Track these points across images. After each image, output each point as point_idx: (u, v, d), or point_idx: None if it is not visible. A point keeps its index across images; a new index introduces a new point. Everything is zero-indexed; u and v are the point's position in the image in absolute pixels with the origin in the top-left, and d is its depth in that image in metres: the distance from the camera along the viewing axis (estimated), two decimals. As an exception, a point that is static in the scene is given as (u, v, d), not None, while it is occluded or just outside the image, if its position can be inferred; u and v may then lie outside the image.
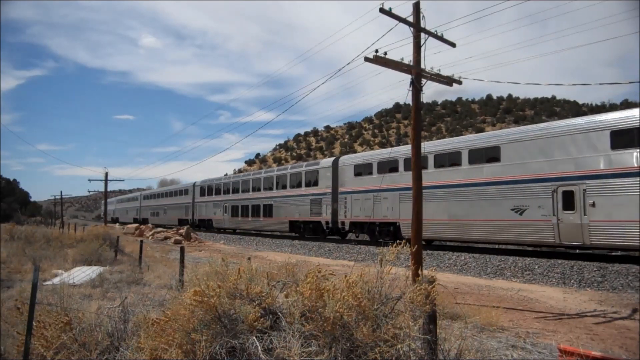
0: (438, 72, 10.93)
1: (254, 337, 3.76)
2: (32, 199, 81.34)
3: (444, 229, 18.38)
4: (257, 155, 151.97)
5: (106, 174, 46.20)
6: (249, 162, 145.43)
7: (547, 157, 15.00)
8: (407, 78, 10.31)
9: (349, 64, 11.12)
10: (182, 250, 10.58)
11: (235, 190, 36.34)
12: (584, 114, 77.80)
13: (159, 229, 38.16)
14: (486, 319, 7.64)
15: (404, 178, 19.71)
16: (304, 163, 29.84)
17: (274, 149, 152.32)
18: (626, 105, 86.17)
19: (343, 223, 23.98)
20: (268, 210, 31.10)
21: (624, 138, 13.28)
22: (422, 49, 10.32)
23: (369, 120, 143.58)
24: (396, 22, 10.07)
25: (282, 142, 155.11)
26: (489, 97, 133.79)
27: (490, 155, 16.86)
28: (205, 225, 41.94)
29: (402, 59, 10.11)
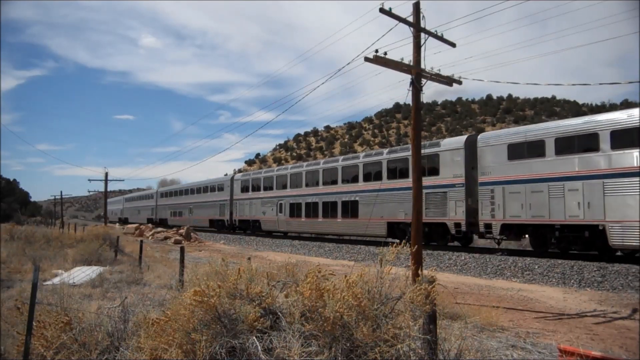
0: (438, 72, 10.94)
1: (254, 337, 3.76)
2: (32, 199, 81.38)
3: None
4: (257, 155, 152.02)
5: (106, 174, 46.23)
6: (249, 162, 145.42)
7: None
8: (407, 78, 10.32)
9: (349, 64, 11.14)
10: (182, 250, 10.58)
11: (296, 184, 29.00)
12: (584, 114, 77.80)
13: (159, 229, 38.13)
14: (486, 319, 7.65)
15: (616, 159, 13.74)
16: (405, 146, 22.23)
17: (274, 149, 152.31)
18: (626, 105, 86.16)
19: (489, 225, 17.20)
20: (350, 209, 24.12)
21: None
22: (422, 49, 10.33)
23: (369, 120, 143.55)
24: (396, 22, 10.08)
25: (282, 142, 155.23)
26: (489, 97, 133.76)
27: None
28: (249, 227, 34.56)
29: (402, 59, 10.11)
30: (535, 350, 6.17)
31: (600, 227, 14.01)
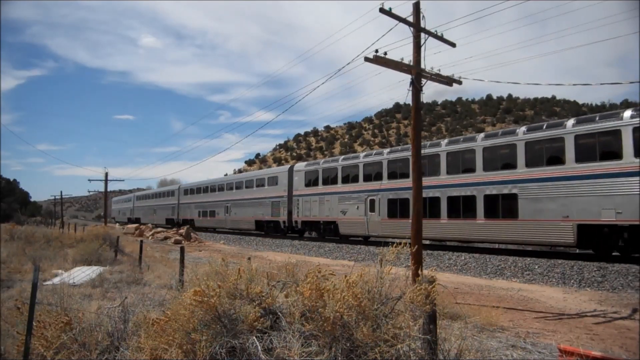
0: (438, 72, 10.94)
1: (254, 337, 3.76)
2: (32, 199, 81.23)
3: None
4: (257, 155, 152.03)
5: (106, 174, 46.22)
6: (249, 162, 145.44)
7: None
8: (407, 78, 10.32)
9: (349, 64, 11.14)
10: (182, 250, 10.58)
11: (399, 173, 21.29)
12: (584, 113, 77.79)
13: (159, 229, 38.12)
14: (486, 319, 7.65)
15: None
16: (595, 115, 15.78)
17: (274, 149, 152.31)
18: (626, 105, 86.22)
19: None
20: (502, 205, 17.10)
21: None
22: (422, 49, 10.33)
23: (369, 120, 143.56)
24: (396, 22, 10.08)
25: (282, 142, 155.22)
26: (489, 97, 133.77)
27: None
28: (317, 230, 27.51)
29: (402, 59, 10.12)
30: (535, 350, 6.17)
31: None
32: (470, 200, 18.08)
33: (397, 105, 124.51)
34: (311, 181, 27.63)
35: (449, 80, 11.38)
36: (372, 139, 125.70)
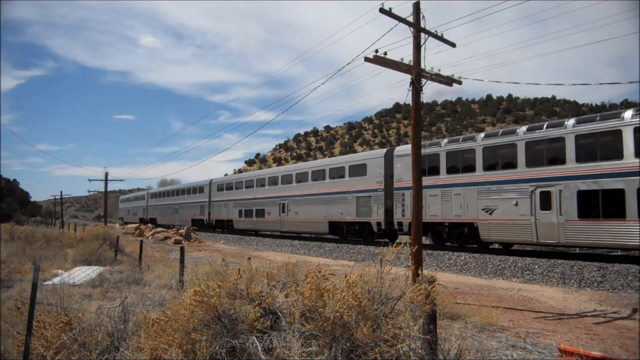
0: (438, 72, 10.94)
1: (254, 337, 3.76)
2: (32, 199, 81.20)
3: None
4: (257, 155, 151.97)
5: (106, 174, 46.23)
6: (249, 162, 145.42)
7: None
8: (407, 78, 10.32)
9: (349, 64, 11.14)
10: (182, 250, 10.58)
11: (592, 153, 14.53)
12: (584, 113, 77.82)
13: (159, 229, 38.12)
14: (486, 319, 7.65)
15: None
16: None
17: (274, 149, 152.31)
18: (626, 105, 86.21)
19: None
20: None
21: None
22: (422, 49, 10.33)
23: (369, 120, 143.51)
24: (396, 22, 10.08)
25: (282, 142, 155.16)
26: (489, 97, 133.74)
27: None
28: (443, 235, 19.64)
29: (402, 59, 10.12)
30: (535, 350, 6.17)
31: None
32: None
33: (397, 105, 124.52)
34: (428, 169, 19.44)
35: (449, 80, 11.38)
36: (372, 139, 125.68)
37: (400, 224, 20.92)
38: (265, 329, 3.88)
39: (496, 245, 19.08)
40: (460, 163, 18.57)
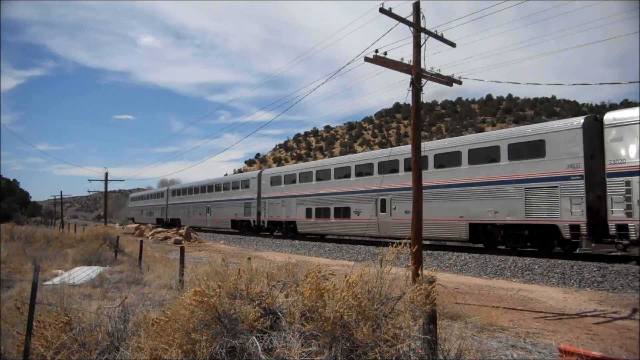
0: (438, 72, 10.94)
1: (254, 337, 3.76)
2: (32, 199, 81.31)
3: None
4: (257, 155, 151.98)
5: (106, 174, 46.19)
6: (249, 162, 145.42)
7: None
8: (407, 78, 10.32)
9: (349, 64, 11.13)
10: (182, 250, 10.58)
11: None
12: (584, 113, 77.71)
13: (159, 229, 38.11)
14: (486, 319, 7.65)
15: None
16: None
17: (274, 149, 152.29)
18: (626, 105, 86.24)
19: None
20: None
21: None
22: (422, 49, 10.33)
23: (369, 120, 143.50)
24: (396, 22, 10.07)
25: (282, 142, 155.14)
26: (489, 97, 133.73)
27: None
28: None
29: (402, 59, 10.11)
30: (535, 350, 6.17)
31: None
32: None
33: (397, 105, 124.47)
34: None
35: (449, 80, 11.38)
36: (372, 139, 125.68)
37: (621, 227, 13.37)
38: (265, 329, 3.88)
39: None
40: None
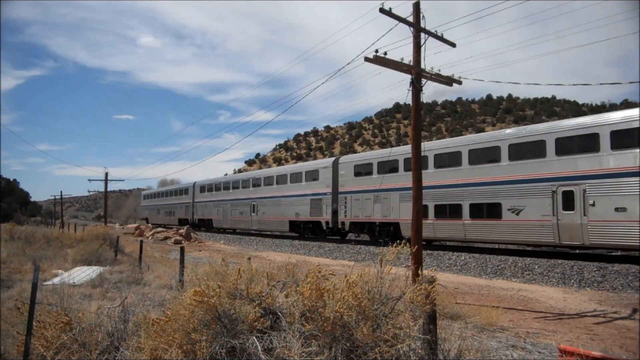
0: (438, 72, 10.94)
1: (254, 337, 3.76)
2: (32, 199, 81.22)
3: None
4: (257, 155, 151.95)
5: (106, 174, 46.19)
6: (249, 162, 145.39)
7: None
8: (407, 78, 10.32)
9: (349, 64, 11.13)
10: (182, 250, 10.58)
11: None
12: (584, 113, 77.82)
13: (159, 229, 38.05)
14: (486, 319, 7.65)
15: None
16: None
17: (274, 149, 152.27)
18: (626, 105, 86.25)
19: None
20: None
21: None
22: (422, 49, 10.33)
23: (369, 120, 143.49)
24: (396, 22, 10.08)
25: (282, 142, 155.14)
26: (489, 97, 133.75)
27: None
28: None
29: (402, 59, 10.11)
30: (535, 350, 6.17)
31: None
32: None
33: (397, 105, 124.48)
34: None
35: (449, 80, 11.38)
36: (372, 139, 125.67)
37: None
38: (265, 329, 3.88)
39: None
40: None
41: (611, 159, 13.57)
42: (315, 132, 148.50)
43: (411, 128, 10.91)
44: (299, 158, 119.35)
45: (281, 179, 29.76)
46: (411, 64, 10.17)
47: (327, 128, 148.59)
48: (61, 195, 58.85)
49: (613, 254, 15.94)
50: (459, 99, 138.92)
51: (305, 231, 27.66)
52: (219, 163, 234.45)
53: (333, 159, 26.43)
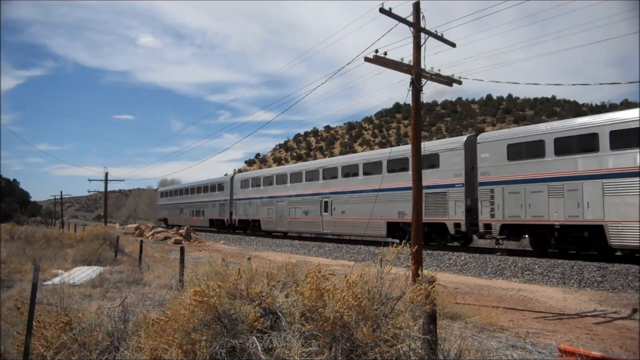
0: (438, 72, 10.94)
1: (254, 337, 3.75)
2: (32, 199, 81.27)
3: None
4: (257, 155, 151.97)
5: (106, 174, 46.19)
6: (249, 162, 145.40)
7: None
8: (407, 78, 10.32)
9: (349, 64, 11.13)
10: (182, 250, 10.57)
11: None
12: (584, 113, 77.88)
13: (159, 229, 38.03)
14: (486, 319, 7.65)
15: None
16: None
17: (274, 149, 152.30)
18: (626, 105, 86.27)
19: None
20: None
21: None
22: (422, 49, 10.33)
23: (369, 120, 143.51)
24: (396, 22, 10.08)
25: (282, 142, 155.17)
26: (489, 97, 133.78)
27: None
28: None
29: (402, 59, 10.12)
30: (535, 350, 6.17)
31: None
32: None
33: (397, 105, 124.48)
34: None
35: (449, 80, 11.38)
36: (372, 139, 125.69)
37: None
38: (265, 329, 3.88)
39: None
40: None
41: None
42: (315, 132, 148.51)
43: (411, 128, 10.91)
44: (299, 158, 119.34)
45: (371, 168, 22.64)
46: (411, 64, 10.17)
47: (327, 128, 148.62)
48: (61, 195, 58.92)
49: (616, 254, 15.91)
50: (459, 99, 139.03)
51: (402, 232, 20.22)
52: (219, 163, 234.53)
53: (465, 137, 19.13)
